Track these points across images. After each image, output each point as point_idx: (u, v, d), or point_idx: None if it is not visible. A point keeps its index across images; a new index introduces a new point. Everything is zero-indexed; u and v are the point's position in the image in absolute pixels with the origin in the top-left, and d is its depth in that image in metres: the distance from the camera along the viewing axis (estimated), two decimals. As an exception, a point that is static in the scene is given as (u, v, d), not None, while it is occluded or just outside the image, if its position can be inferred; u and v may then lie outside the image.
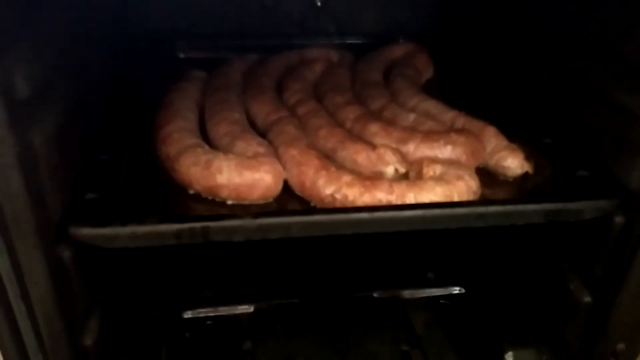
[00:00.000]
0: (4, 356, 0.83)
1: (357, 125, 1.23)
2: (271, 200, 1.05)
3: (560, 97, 1.25)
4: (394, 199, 0.99)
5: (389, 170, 1.08)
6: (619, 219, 1.03)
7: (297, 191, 1.06)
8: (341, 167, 1.08)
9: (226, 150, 1.11)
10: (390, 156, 1.09)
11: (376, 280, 1.53)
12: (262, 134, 1.21)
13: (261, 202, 1.04)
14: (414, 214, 0.97)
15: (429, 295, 1.51)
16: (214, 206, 1.03)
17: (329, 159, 1.11)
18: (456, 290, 1.52)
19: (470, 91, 1.49)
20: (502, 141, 1.16)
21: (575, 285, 1.16)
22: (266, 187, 1.03)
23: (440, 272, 1.56)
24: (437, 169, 1.06)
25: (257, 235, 0.93)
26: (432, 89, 1.46)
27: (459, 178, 1.03)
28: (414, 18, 1.88)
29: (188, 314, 1.41)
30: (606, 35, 1.10)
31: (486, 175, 1.14)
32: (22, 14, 0.83)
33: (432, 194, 1.00)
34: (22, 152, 0.76)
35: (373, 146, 1.11)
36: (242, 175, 1.01)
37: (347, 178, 1.02)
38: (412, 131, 1.18)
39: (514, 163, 1.12)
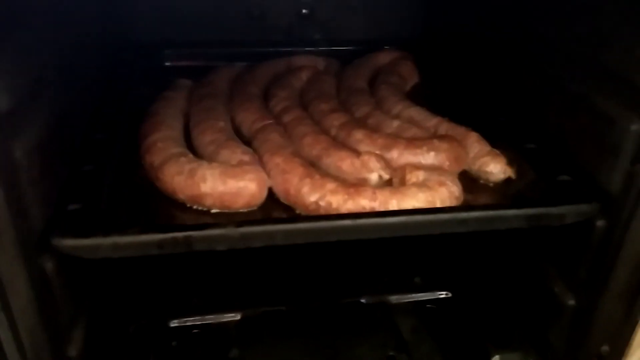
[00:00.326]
0: (-15, 368, 0.83)
1: (342, 132, 1.24)
2: (256, 208, 1.05)
3: (542, 103, 1.27)
4: (377, 205, 1.00)
5: (373, 177, 1.09)
6: (600, 223, 1.04)
7: (282, 199, 1.07)
8: (326, 174, 1.08)
9: (211, 158, 1.12)
10: (374, 163, 1.10)
11: (363, 286, 1.53)
12: (248, 142, 1.21)
13: (246, 210, 1.04)
14: (396, 220, 0.97)
15: (416, 299, 1.51)
16: (199, 215, 1.03)
17: (314, 166, 1.11)
18: (443, 294, 1.53)
19: (454, 98, 1.50)
20: (485, 147, 1.18)
21: (559, 289, 1.17)
22: (250, 195, 1.03)
23: (427, 277, 1.57)
24: (420, 175, 1.07)
25: (240, 244, 0.93)
26: (416, 96, 1.48)
27: (442, 184, 1.04)
28: (400, 26, 1.90)
29: (175, 323, 1.40)
30: (587, 43, 1.11)
31: (469, 180, 1.15)
32: (3, 26, 0.83)
33: (414, 200, 1.01)
34: (1, 164, 0.75)
35: (357, 153, 1.12)
36: (226, 184, 1.02)
37: (331, 185, 1.02)
38: (395, 138, 1.19)
39: (496, 168, 1.13)
